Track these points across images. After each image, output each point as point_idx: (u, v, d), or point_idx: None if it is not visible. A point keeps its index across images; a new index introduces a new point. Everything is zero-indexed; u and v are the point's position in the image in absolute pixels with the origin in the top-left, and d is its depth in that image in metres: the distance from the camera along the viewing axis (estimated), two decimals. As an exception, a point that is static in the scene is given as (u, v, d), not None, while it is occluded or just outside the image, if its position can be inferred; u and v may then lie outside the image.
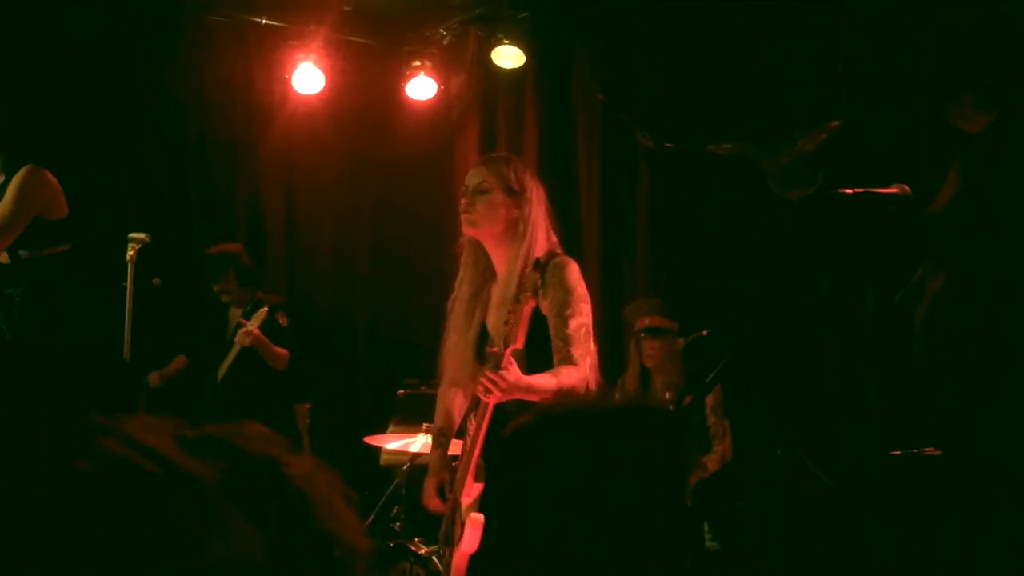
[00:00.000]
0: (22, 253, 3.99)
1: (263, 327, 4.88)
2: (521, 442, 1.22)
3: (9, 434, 0.61)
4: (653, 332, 4.49)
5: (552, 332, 2.86)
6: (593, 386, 2.89)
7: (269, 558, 0.63)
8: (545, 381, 2.78)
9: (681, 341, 4.23)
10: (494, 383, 2.68)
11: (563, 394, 2.75)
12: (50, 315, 3.84)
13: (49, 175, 3.97)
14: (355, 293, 6.19)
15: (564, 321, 2.85)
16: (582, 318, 2.89)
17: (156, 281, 4.20)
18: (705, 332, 4.08)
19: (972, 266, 2.65)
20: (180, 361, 5.22)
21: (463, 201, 2.99)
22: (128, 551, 0.57)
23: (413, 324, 5.87)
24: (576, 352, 2.85)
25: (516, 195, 2.97)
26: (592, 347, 2.92)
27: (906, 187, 2.73)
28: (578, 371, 2.84)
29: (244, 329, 4.88)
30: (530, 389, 2.72)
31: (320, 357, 5.76)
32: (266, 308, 4.94)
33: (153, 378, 5.14)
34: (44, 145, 4.33)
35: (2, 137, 4.15)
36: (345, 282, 6.14)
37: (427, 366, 4.80)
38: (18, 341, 3.35)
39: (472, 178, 3.02)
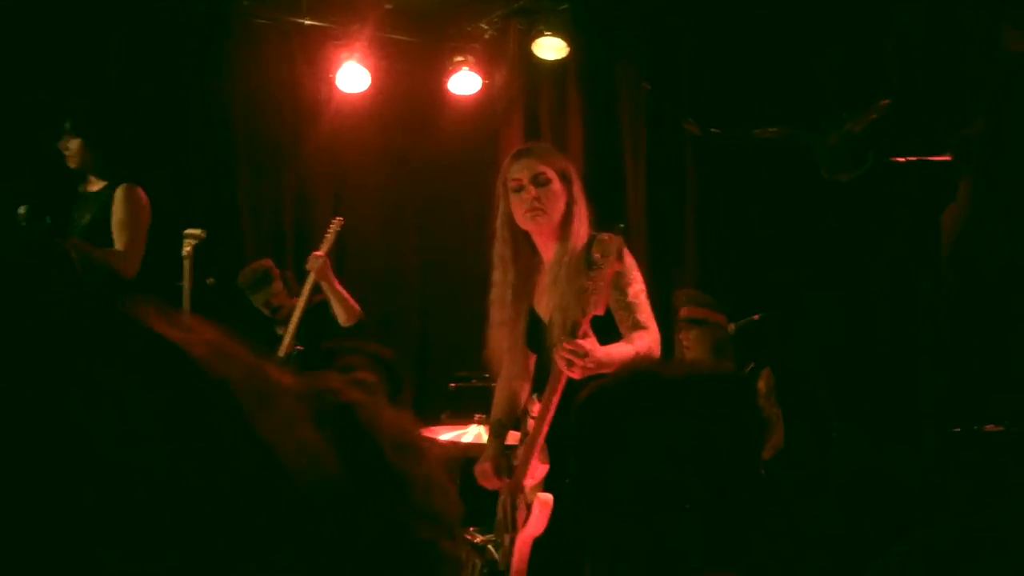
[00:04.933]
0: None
1: (312, 322, 4.57)
2: (602, 406, 1.21)
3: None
4: (689, 322, 4.43)
5: (613, 305, 2.83)
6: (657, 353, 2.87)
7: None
8: (622, 349, 2.73)
9: (732, 326, 4.19)
10: (575, 353, 2.56)
11: (640, 359, 2.70)
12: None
13: (142, 193, 4.17)
14: (404, 288, 6.22)
15: (623, 291, 2.84)
16: (638, 284, 2.88)
17: (210, 281, 4.15)
18: (756, 317, 4.04)
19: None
20: None
21: (529, 196, 2.89)
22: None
23: (462, 318, 5.87)
24: (642, 316, 2.85)
25: (568, 183, 2.97)
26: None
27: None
28: (649, 334, 2.83)
29: (316, 253, 4.51)
30: (609, 359, 2.63)
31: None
32: (339, 219, 4.62)
33: None
34: (131, 148, 4.42)
35: (98, 141, 4.22)
36: (394, 277, 6.17)
37: (477, 359, 4.82)
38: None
39: (524, 170, 2.93)
